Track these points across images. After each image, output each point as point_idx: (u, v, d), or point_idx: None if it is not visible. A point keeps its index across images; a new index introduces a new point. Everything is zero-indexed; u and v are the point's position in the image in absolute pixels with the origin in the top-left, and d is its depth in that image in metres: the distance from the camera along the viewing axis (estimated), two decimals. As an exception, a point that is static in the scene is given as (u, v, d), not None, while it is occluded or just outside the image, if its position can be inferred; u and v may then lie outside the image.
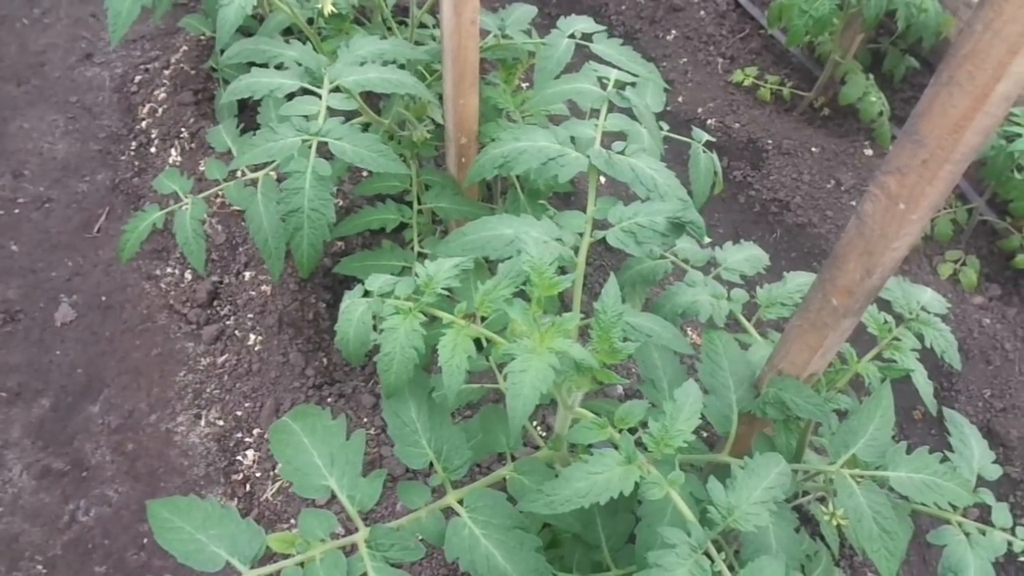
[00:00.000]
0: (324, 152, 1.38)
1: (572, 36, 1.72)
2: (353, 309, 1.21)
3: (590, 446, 1.15)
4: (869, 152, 3.00)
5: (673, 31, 3.42)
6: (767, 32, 3.40)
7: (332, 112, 1.37)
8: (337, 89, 1.39)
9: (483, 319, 1.17)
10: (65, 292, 2.68)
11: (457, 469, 1.20)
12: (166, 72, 3.22)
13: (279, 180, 2.45)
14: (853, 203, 2.87)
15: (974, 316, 2.62)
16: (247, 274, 2.65)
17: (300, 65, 1.45)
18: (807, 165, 2.97)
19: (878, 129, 2.92)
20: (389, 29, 1.86)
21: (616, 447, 1.10)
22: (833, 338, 1.15)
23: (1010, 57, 0.75)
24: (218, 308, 2.62)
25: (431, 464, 1.19)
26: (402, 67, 1.71)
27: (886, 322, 1.46)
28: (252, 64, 1.49)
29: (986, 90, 0.78)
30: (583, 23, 1.74)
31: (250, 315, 2.54)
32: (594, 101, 1.46)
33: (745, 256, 1.61)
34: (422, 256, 1.96)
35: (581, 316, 1.33)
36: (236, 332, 2.53)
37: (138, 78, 3.28)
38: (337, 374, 2.45)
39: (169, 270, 2.75)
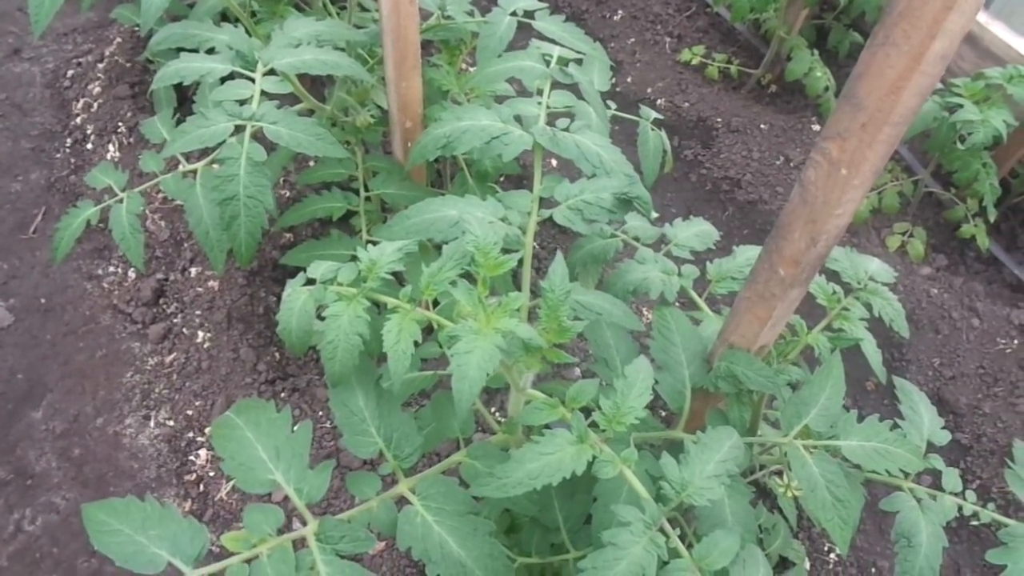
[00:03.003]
0: (261, 139, 1.33)
1: (514, 14, 1.69)
2: (295, 298, 1.17)
3: (544, 427, 1.13)
4: (816, 127, 3.03)
5: (620, 11, 3.41)
6: (713, 10, 3.41)
7: (269, 97, 1.32)
8: (272, 72, 1.34)
9: (433, 304, 1.15)
10: (1, 296, 2.57)
11: (408, 457, 1.17)
12: (100, 65, 3.11)
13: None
14: (802, 179, 2.90)
15: (922, 287, 2.66)
16: (193, 270, 2.58)
17: (232, 49, 1.39)
18: (756, 142, 2.99)
19: (824, 104, 2.95)
20: (328, 13, 1.81)
21: (569, 427, 1.09)
22: (781, 309, 1.15)
23: (944, 13, 0.74)
24: (164, 306, 2.54)
25: (381, 453, 1.16)
26: (341, 50, 1.67)
27: (834, 292, 1.47)
28: (182, 50, 1.43)
29: (922, 49, 0.77)
30: (525, 1, 1.71)
31: (198, 312, 2.47)
32: (537, 78, 1.43)
33: (695, 232, 1.61)
34: (371, 244, 1.92)
35: (531, 297, 1.31)
36: (184, 330, 2.46)
37: (71, 72, 3.16)
38: (290, 368, 2.40)
39: (112, 269, 2.66)
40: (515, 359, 1.09)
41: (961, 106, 2.35)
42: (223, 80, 1.33)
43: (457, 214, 1.23)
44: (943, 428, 1.48)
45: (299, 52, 1.36)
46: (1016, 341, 2.54)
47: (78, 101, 3.05)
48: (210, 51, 1.44)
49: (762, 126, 3.03)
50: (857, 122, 0.87)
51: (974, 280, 2.73)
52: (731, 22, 2.85)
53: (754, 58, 3.30)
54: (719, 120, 3.07)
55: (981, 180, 2.49)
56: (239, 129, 1.23)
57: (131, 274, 2.62)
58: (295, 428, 1.12)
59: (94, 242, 2.72)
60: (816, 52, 3.00)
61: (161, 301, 2.55)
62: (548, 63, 1.50)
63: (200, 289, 2.53)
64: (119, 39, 3.17)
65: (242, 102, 1.27)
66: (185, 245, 2.63)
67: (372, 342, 1.13)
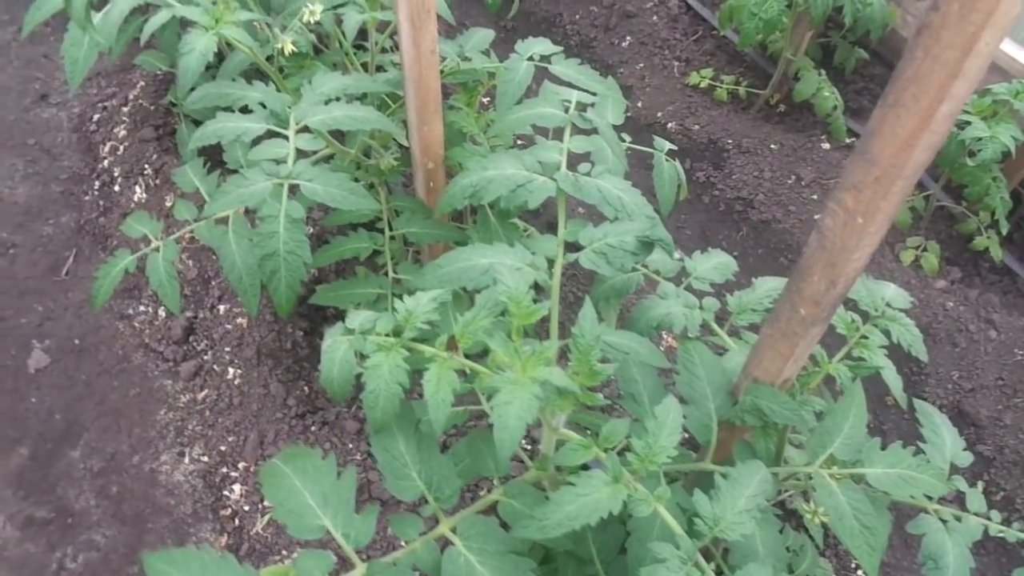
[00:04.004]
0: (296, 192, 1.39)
1: (531, 59, 1.75)
2: (336, 348, 1.23)
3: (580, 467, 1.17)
4: (826, 146, 3.07)
5: (628, 37, 3.47)
6: (720, 33, 3.46)
7: (300, 153, 1.38)
8: (304, 129, 1.41)
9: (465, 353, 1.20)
10: (37, 338, 2.65)
11: (448, 498, 1.22)
12: (125, 109, 3.20)
13: (247, 214, 2.45)
14: (815, 197, 2.94)
15: (938, 300, 2.69)
16: (221, 307, 2.65)
17: (265, 107, 1.46)
18: (767, 162, 3.04)
19: (833, 123, 2.99)
20: (347, 55, 1.87)
21: (603, 467, 1.13)
22: (803, 346, 1.19)
23: (950, 81, 0.79)
24: (194, 344, 2.61)
25: (422, 495, 1.21)
26: (365, 97, 1.73)
27: (853, 321, 1.51)
28: (216, 108, 1.50)
29: (930, 111, 0.82)
30: (540, 45, 1.77)
31: (227, 349, 2.54)
32: (557, 124, 1.49)
33: (714, 264, 1.65)
34: (397, 282, 1.98)
35: (559, 333, 1.36)
36: (214, 367, 2.52)
37: (96, 116, 3.25)
38: (319, 402, 2.45)
39: (142, 308, 2.73)
40: (549, 403, 1.14)
41: (969, 123, 2.39)
42: (257, 139, 1.39)
43: (487, 262, 1.28)
44: (964, 449, 1.51)
45: (329, 109, 1.42)
46: (1034, 352, 2.57)
47: (104, 144, 3.14)
48: (243, 109, 1.51)
49: (772, 146, 3.08)
50: (871, 176, 0.92)
51: (989, 291, 2.75)
52: (739, 47, 2.90)
53: (761, 78, 3.35)
54: (730, 141, 3.12)
55: (992, 194, 2.52)
56: (276, 186, 1.29)
57: (161, 313, 2.69)
58: (340, 475, 1.18)
59: (124, 282, 2.78)
60: (823, 70, 3.05)
61: (191, 339, 2.62)
62: (567, 108, 1.55)
63: (229, 326, 2.59)
64: (142, 83, 3.25)
65: (277, 160, 1.33)
66: (213, 283, 2.70)
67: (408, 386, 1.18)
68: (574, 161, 1.46)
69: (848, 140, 3.07)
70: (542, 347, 1.10)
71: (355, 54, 2.11)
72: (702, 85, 3.26)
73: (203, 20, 1.47)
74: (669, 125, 3.21)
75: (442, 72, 1.90)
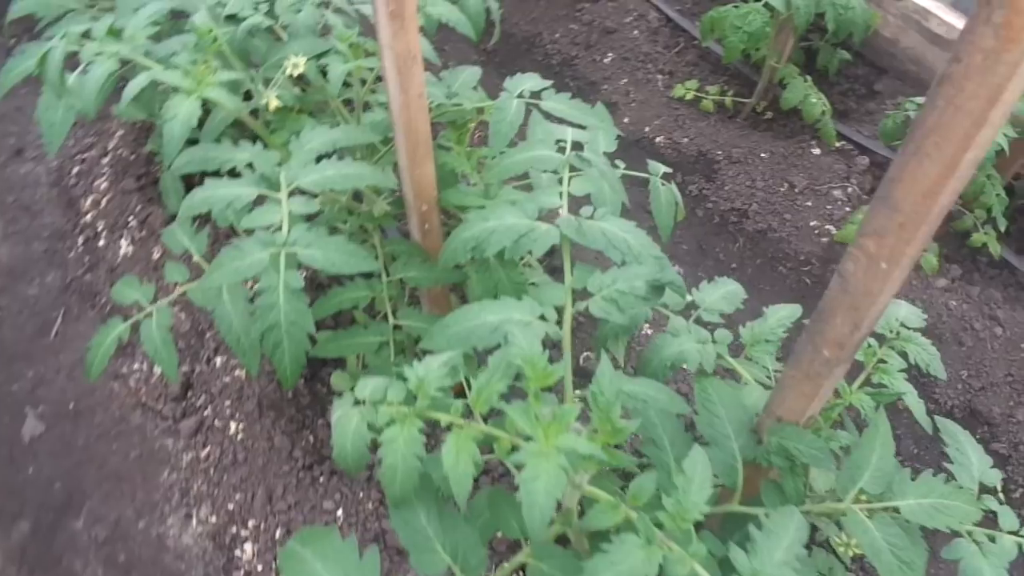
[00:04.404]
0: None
1: (521, 96, 1.72)
2: (347, 422, 1.18)
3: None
4: (816, 151, 3.05)
5: (610, 53, 3.45)
6: (701, 43, 3.45)
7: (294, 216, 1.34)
8: (297, 191, 1.37)
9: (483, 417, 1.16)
10: (30, 404, 2.59)
11: (475, 568, 1.18)
12: (104, 160, 3.15)
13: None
14: (809, 204, 2.92)
15: (940, 300, 2.68)
16: (218, 360, 2.60)
17: (254, 170, 1.42)
18: (759, 171, 3.02)
19: (823, 128, 2.98)
20: (334, 104, 1.84)
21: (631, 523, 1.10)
22: (828, 385, 1.16)
23: (975, 130, 0.76)
24: (193, 400, 2.55)
25: (448, 568, 1.17)
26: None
27: (870, 345, 1.48)
28: (204, 173, 1.46)
29: (955, 159, 0.79)
30: (530, 81, 1.74)
31: (227, 403, 2.48)
32: (555, 167, 1.46)
33: (722, 294, 1.62)
34: (397, 328, 1.94)
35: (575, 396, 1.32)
36: (215, 422, 2.47)
37: (76, 169, 3.19)
38: (326, 450, 2.40)
39: (136, 366, 2.67)
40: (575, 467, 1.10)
41: (960, 123, 2.37)
42: (249, 206, 1.36)
43: (496, 320, 1.25)
44: (992, 467, 1.48)
45: (322, 168, 1.38)
46: (1041, 347, 2.55)
47: (86, 198, 3.09)
48: (232, 171, 1.47)
49: (763, 154, 3.06)
50: (894, 222, 0.89)
51: (991, 287, 2.74)
52: (725, 61, 2.88)
53: (746, 86, 3.34)
54: (719, 152, 3.10)
55: (988, 192, 2.51)
56: (273, 256, 1.25)
57: (156, 370, 2.64)
58: (362, 555, 1.13)
59: (116, 339, 2.73)
60: (807, 75, 3.03)
61: (189, 395, 2.56)
62: (562, 148, 1.52)
63: (227, 379, 2.54)
64: (121, 131, 3.21)
65: (273, 227, 1.29)
66: (208, 335, 2.65)
67: (427, 459, 1.14)
68: (575, 204, 1.43)
69: (838, 144, 3.05)
70: (562, 411, 1.06)
71: (341, 99, 2.08)
72: (688, 97, 3.24)
73: (184, 84, 1.43)
74: (657, 140, 3.19)
75: (431, 107, 1.86)
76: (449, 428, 1.13)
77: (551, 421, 1.06)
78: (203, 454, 2.43)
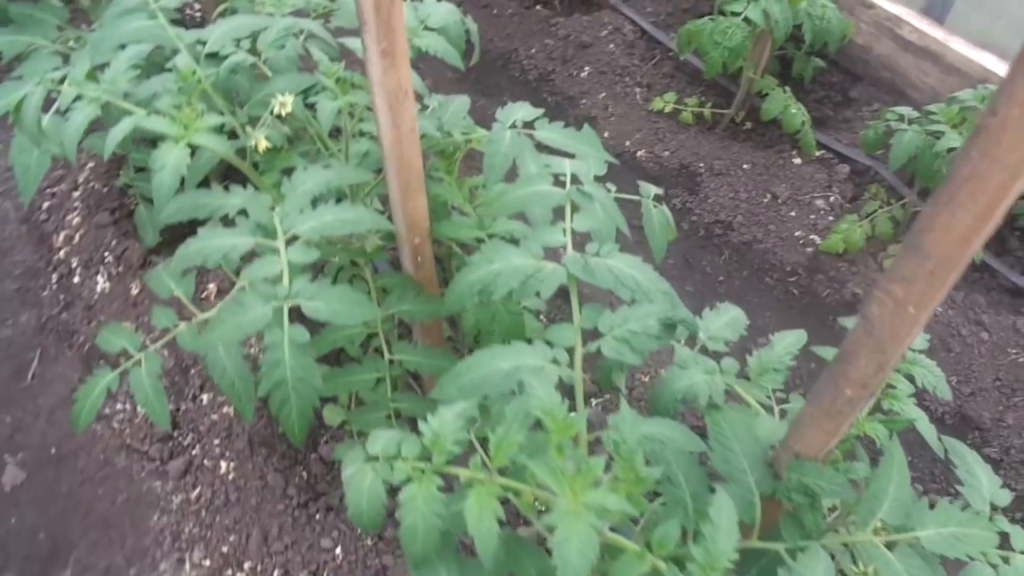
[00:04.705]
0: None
1: (514, 126, 1.69)
2: (361, 479, 1.15)
3: None
4: (797, 161, 3.07)
5: (587, 68, 3.44)
6: (678, 56, 3.46)
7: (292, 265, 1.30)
8: (294, 238, 1.33)
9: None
10: (9, 451, 2.50)
11: (499, 624, 1.15)
12: (76, 194, 3.06)
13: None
14: (793, 214, 2.94)
15: (926, 306, 2.70)
16: (204, 397, 2.53)
17: (247, 216, 1.38)
18: (741, 183, 3.02)
19: (803, 139, 2.99)
20: (323, 142, 1.79)
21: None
22: (848, 422, 1.15)
23: (1012, 181, 0.75)
24: (180, 439, 2.48)
25: (472, 627, 1.14)
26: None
27: (878, 372, 1.47)
28: (194, 222, 1.41)
29: (990, 209, 0.78)
30: (521, 111, 1.71)
31: (216, 441, 2.42)
32: (557, 203, 1.43)
33: (725, 321, 1.61)
34: (393, 363, 1.90)
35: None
36: (205, 462, 2.41)
37: (46, 204, 3.10)
38: (320, 486, 2.35)
39: (119, 407, 2.60)
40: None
41: (943, 133, 2.40)
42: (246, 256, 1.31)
43: (508, 366, 1.22)
44: (1002, 487, 1.49)
45: (319, 214, 1.34)
46: (1027, 350, 2.58)
47: (58, 234, 3.00)
48: (224, 218, 1.43)
49: (744, 166, 3.07)
50: (924, 269, 0.88)
51: (974, 291, 2.77)
52: (706, 75, 2.89)
53: (723, 96, 3.35)
54: (701, 165, 3.10)
55: (970, 199, 2.53)
56: (276, 311, 1.21)
57: (140, 410, 2.56)
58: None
59: (96, 379, 2.66)
60: (784, 84, 3.05)
61: (176, 434, 2.49)
62: (561, 182, 1.50)
63: (215, 416, 2.48)
64: (91, 164, 3.12)
65: (272, 279, 1.25)
66: (193, 371, 2.58)
67: (448, 517, 1.11)
68: (579, 240, 1.41)
69: (818, 153, 3.07)
70: (588, 466, 1.04)
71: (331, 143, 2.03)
72: (666, 110, 3.24)
73: (172, 131, 1.38)
74: (639, 153, 3.19)
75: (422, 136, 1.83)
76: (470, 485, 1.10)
77: (576, 475, 1.03)
78: (194, 495, 2.36)
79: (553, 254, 1.40)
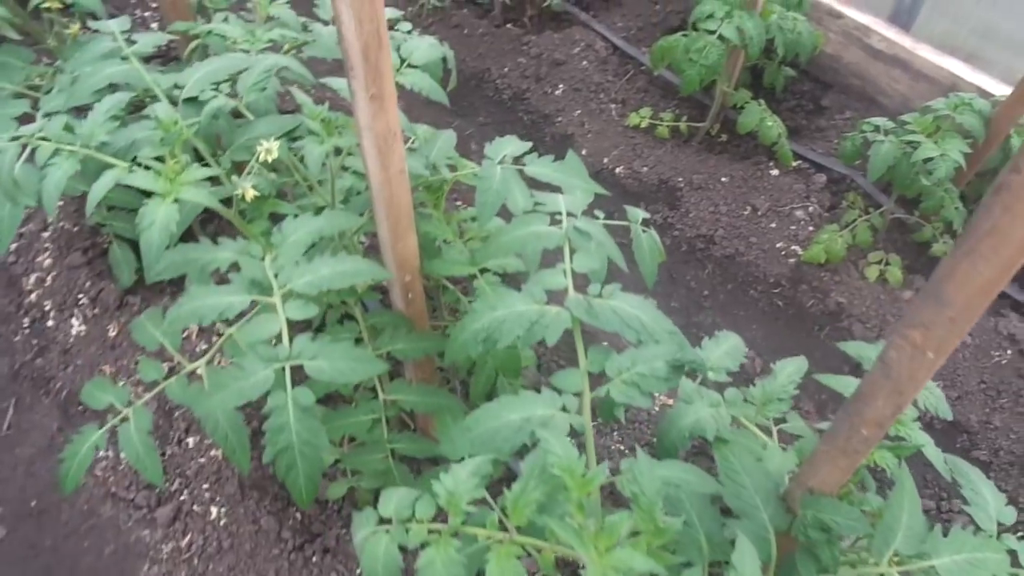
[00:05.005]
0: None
1: (503, 162, 1.67)
2: (375, 545, 1.12)
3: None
4: (775, 172, 3.09)
5: (561, 85, 3.43)
6: (649, 68, 3.47)
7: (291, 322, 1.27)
8: (292, 293, 1.29)
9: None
10: (-12, 507, 2.42)
11: None
12: (45, 234, 2.98)
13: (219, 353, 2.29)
14: (773, 225, 2.95)
15: (909, 313, 2.73)
16: (190, 440, 2.47)
17: (239, 269, 1.34)
18: (721, 196, 3.04)
19: (779, 150, 3.01)
20: (309, 187, 1.76)
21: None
22: (863, 458, 1.15)
23: (1036, 236, 0.75)
24: (167, 485, 2.42)
25: None
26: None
27: (882, 397, 1.48)
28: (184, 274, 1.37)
29: (1012, 261, 0.78)
30: (510, 145, 1.69)
31: (205, 486, 2.37)
32: (556, 243, 1.42)
33: (725, 350, 1.60)
34: (389, 404, 1.87)
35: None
36: (194, 507, 2.35)
37: (14, 246, 3.01)
38: (315, 527, 2.31)
39: (101, 453, 2.52)
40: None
41: (919, 143, 2.43)
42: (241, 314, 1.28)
43: (519, 418, 1.20)
44: (1007, 504, 1.50)
45: (315, 267, 1.31)
46: (1009, 351, 2.62)
47: (28, 276, 2.91)
48: (216, 272, 1.39)
49: (723, 179, 3.08)
50: (944, 316, 0.87)
51: (954, 295, 2.81)
52: (683, 93, 2.89)
53: (697, 109, 3.36)
54: (680, 179, 3.11)
55: (947, 206, 2.57)
56: (278, 373, 1.18)
57: (123, 456, 2.50)
58: None
59: (76, 427, 2.58)
60: (756, 95, 3.08)
61: (163, 479, 2.43)
62: (557, 221, 1.48)
63: (203, 460, 2.42)
64: (60, 202, 3.04)
65: (272, 340, 1.22)
66: (176, 414, 2.52)
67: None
68: (580, 281, 1.39)
69: (795, 163, 3.10)
70: (610, 523, 1.02)
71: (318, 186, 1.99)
72: (643, 125, 3.25)
73: (158, 187, 1.34)
74: (617, 170, 3.18)
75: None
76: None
77: (600, 533, 1.02)
78: (184, 543, 2.30)
79: (554, 296, 1.39)
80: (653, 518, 1.07)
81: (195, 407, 1.62)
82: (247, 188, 1.49)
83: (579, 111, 3.37)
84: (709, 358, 1.61)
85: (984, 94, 2.82)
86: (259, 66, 1.65)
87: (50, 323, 2.79)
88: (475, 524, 1.10)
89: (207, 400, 1.16)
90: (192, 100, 1.67)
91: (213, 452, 2.41)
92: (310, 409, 1.17)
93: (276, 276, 1.32)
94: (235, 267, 1.39)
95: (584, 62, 3.47)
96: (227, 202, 1.63)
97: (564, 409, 1.24)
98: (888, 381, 0.99)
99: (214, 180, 1.65)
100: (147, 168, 1.41)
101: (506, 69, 3.53)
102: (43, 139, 1.49)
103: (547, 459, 1.07)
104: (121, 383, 2.64)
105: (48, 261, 2.90)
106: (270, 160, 1.52)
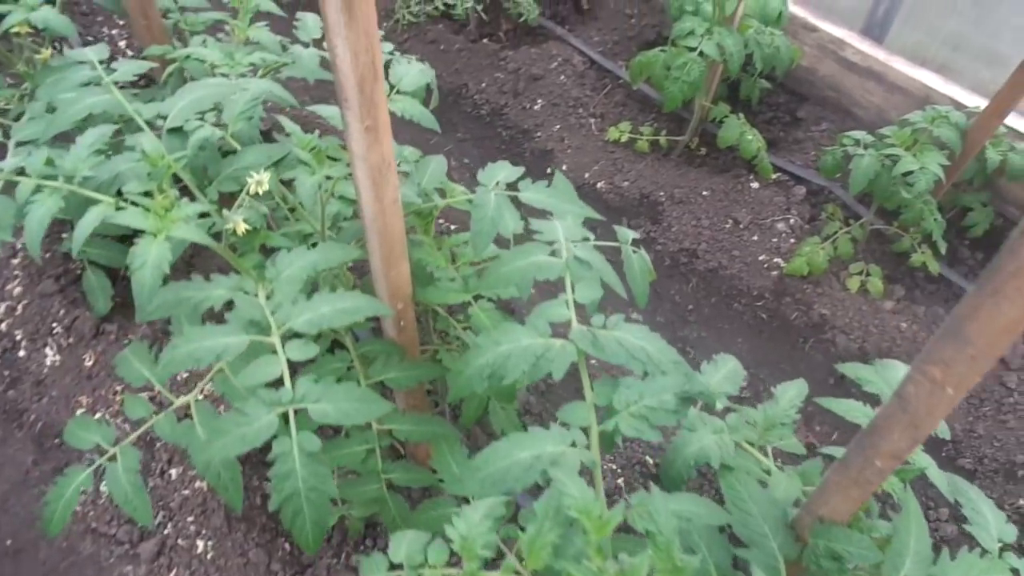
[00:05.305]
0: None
1: (496, 188, 1.66)
2: (388, 594, 1.09)
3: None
4: (755, 185, 3.11)
5: (539, 100, 3.42)
6: (627, 82, 3.47)
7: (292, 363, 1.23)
8: (291, 332, 1.26)
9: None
10: (-38, 547, 2.33)
11: None
12: (15, 261, 2.89)
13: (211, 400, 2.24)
14: (755, 238, 2.97)
15: (891, 323, 2.76)
16: (173, 472, 2.41)
17: (233, 305, 1.30)
18: (702, 210, 3.05)
19: (759, 164, 3.04)
20: (300, 218, 1.73)
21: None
22: (875, 487, 1.15)
23: (1062, 277, 0.75)
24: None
25: None
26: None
27: (883, 419, 1.48)
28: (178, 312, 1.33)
29: (1038, 302, 0.78)
30: (503, 171, 1.68)
31: (190, 518, 2.31)
32: (557, 274, 1.40)
33: (724, 374, 1.60)
34: (383, 434, 1.84)
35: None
36: (179, 541, 2.29)
37: (-18, 274, 2.92)
38: (305, 558, 2.26)
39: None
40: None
41: (899, 157, 2.46)
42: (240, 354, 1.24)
43: (529, 456, 1.18)
44: (1007, 522, 1.52)
45: (315, 305, 1.28)
46: (990, 360, 2.66)
47: (-2, 305, 2.82)
48: (210, 311, 1.35)
49: (704, 192, 3.09)
50: (965, 354, 0.87)
51: (934, 304, 2.85)
52: (665, 110, 2.90)
53: (675, 122, 3.38)
54: (662, 193, 3.12)
55: (927, 218, 2.61)
56: (281, 418, 1.15)
57: (104, 488, 2.42)
58: None
59: (52, 460, 2.51)
60: (734, 108, 3.10)
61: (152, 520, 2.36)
62: (555, 251, 1.47)
63: (187, 492, 2.36)
64: (29, 228, 2.95)
65: (274, 383, 1.18)
66: (158, 445, 2.46)
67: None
68: (582, 312, 1.38)
69: (774, 176, 3.12)
70: (630, 566, 1.00)
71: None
72: (622, 139, 3.25)
73: (148, 225, 1.29)
74: (599, 185, 3.18)
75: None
76: (505, 592, 1.05)
77: (619, 574, 1.00)
78: (170, 580, 2.24)
79: (555, 327, 1.37)
80: (671, 557, 1.06)
81: (192, 453, 1.58)
82: (239, 222, 1.46)
83: (558, 126, 3.36)
84: (709, 383, 1.60)
85: (957, 105, 2.87)
86: (246, 95, 1.61)
87: (22, 353, 2.70)
88: (489, 569, 1.08)
89: (207, 447, 1.12)
90: (176, 130, 1.63)
91: (198, 484, 2.35)
92: (316, 455, 1.14)
93: (274, 314, 1.29)
94: (229, 304, 1.36)
95: (562, 76, 3.47)
96: (216, 235, 1.59)
97: (574, 445, 1.23)
98: (905, 415, 0.99)
99: (203, 214, 1.61)
100: (134, 204, 1.37)
101: (483, 84, 3.52)
102: (22, 174, 1.43)
103: (562, 500, 1.05)
104: (99, 414, 2.57)
105: (18, 289, 2.81)
106: (261, 192, 1.48)
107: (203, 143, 1.55)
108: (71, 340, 2.67)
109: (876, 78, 3.13)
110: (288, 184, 1.68)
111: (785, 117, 3.45)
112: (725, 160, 3.26)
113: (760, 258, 2.93)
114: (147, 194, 1.40)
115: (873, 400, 1.63)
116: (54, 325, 2.70)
